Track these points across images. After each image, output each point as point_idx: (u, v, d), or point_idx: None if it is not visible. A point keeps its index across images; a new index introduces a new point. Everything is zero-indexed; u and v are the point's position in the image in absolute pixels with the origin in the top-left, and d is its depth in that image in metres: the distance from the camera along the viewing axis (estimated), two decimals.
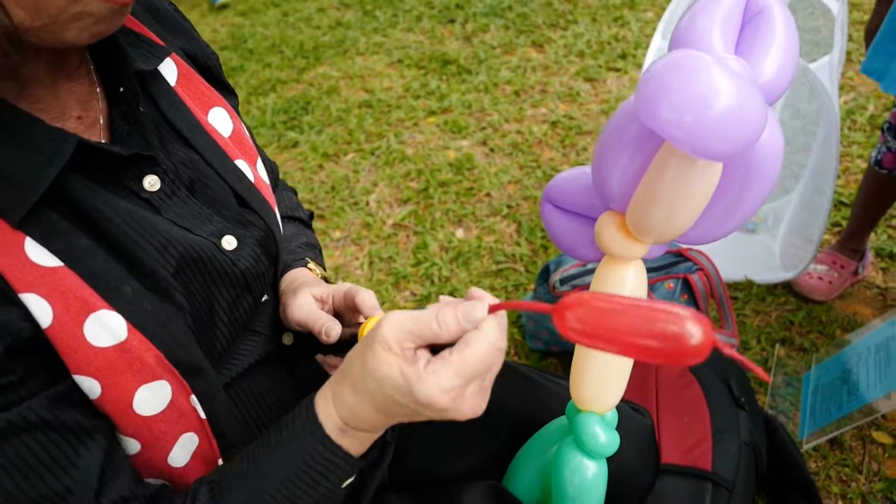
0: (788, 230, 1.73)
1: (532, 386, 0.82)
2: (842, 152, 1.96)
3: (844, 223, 1.68)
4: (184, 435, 0.56)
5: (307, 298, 0.68)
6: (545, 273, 1.48)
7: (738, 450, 1.14)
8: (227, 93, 0.71)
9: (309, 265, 0.77)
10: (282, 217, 0.82)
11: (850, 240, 1.54)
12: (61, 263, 0.49)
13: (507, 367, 0.86)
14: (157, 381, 0.53)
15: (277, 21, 3.64)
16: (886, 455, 1.25)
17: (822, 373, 1.37)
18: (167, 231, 0.56)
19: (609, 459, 0.60)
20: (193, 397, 0.56)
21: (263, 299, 0.69)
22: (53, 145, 0.48)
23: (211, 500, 0.52)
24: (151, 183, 0.57)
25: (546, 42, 2.87)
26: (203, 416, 0.57)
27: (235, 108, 0.73)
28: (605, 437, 0.56)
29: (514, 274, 1.77)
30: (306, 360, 0.73)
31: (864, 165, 1.87)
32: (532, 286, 1.71)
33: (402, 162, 2.28)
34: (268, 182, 0.71)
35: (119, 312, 0.50)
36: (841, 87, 2.20)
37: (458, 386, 0.46)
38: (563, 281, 1.39)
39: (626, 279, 0.52)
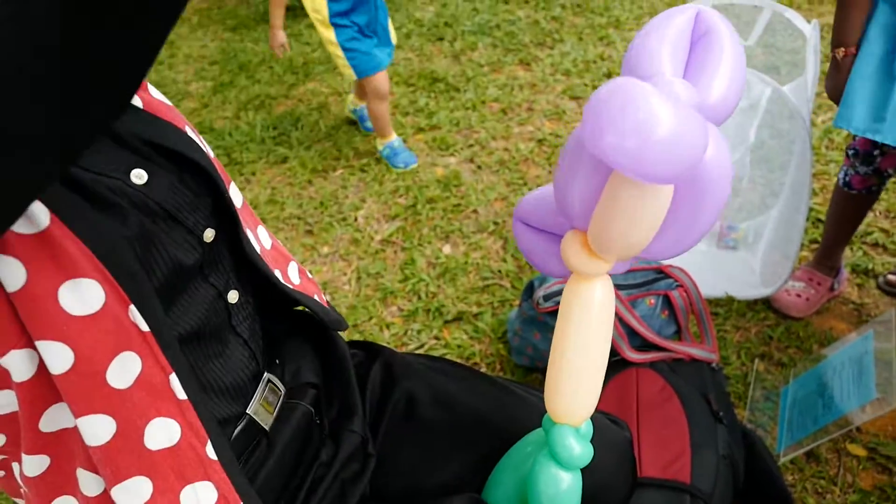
0: (768, 247, 1.76)
1: (513, 399, 0.83)
2: (819, 171, 2.01)
3: None
4: (123, 353, 0.50)
5: None
6: (529, 289, 1.50)
7: (716, 463, 1.16)
8: None
9: None
10: None
11: (825, 257, 1.58)
12: None
13: (487, 379, 0.88)
14: (84, 279, 0.48)
15: (268, 37, 3.67)
16: (861, 467, 1.28)
17: (799, 386, 1.40)
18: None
19: (585, 471, 0.62)
20: (133, 309, 0.50)
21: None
22: None
23: None
24: None
25: (533, 60, 2.92)
26: (146, 328, 0.51)
27: None
28: (579, 449, 0.58)
29: (500, 290, 1.80)
30: (251, 321, 0.69)
31: None
32: (517, 302, 1.74)
33: (391, 178, 2.31)
34: (169, 103, 0.63)
35: (42, 202, 0.46)
36: (819, 107, 2.26)
37: None
38: (546, 297, 1.41)
39: (593, 295, 0.54)
